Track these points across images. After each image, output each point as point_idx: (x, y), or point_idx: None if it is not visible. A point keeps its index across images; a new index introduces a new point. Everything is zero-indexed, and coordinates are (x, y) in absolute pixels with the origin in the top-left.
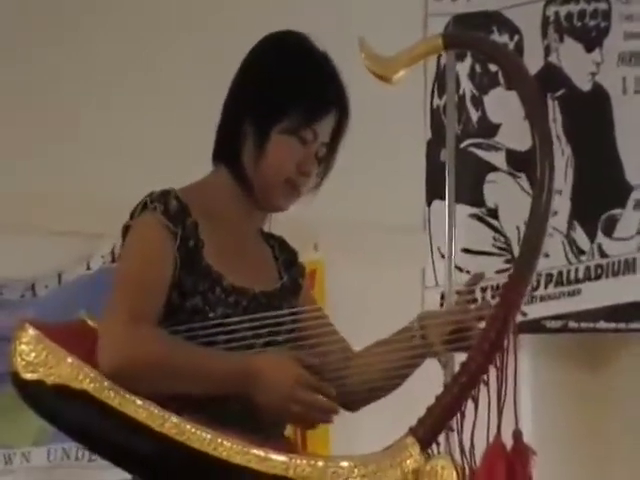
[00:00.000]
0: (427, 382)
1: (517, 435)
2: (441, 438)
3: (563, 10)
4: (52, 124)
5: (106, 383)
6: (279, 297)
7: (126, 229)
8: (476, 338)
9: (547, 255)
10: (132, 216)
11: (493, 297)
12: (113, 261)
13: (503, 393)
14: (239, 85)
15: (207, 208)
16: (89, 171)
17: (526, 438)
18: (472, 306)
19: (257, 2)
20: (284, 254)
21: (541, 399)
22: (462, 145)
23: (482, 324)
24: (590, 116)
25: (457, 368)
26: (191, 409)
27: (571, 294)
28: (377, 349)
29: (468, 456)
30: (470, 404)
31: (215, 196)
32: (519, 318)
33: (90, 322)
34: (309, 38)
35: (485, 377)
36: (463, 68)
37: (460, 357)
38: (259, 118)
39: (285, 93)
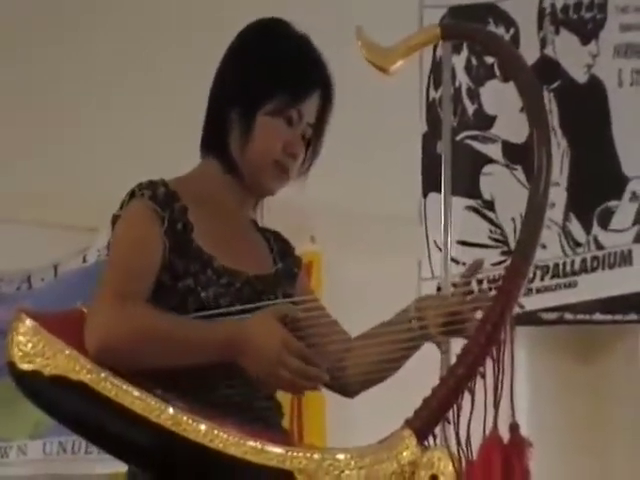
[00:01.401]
0: (423, 373)
1: (514, 427)
2: (437, 430)
3: (559, 2)
4: (51, 121)
5: (103, 374)
6: (273, 282)
7: (115, 218)
8: (473, 328)
9: (544, 247)
10: (121, 206)
11: (490, 289)
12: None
13: (500, 385)
14: (223, 72)
15: (197, 196)
16: (86, 166)
17: (522, 429)
18: (469, 296)
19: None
20: (279, 245)
21: (537, 390)
22: (458, 137)
23: (479, 314)
24: (586, 108)
25: (454, 360)
26: (182, 395)
27: (567, 286)
28: (375, 334)
29: (465, 448)
30: (466, 396)
31: (205, 184)
32: (516, 310)
33: (86, 311)
34: (289, 23)
35: (482, 369)
36: (459, 60)
37: (457, 348)
38: (244, 102)
39: (268, 75)
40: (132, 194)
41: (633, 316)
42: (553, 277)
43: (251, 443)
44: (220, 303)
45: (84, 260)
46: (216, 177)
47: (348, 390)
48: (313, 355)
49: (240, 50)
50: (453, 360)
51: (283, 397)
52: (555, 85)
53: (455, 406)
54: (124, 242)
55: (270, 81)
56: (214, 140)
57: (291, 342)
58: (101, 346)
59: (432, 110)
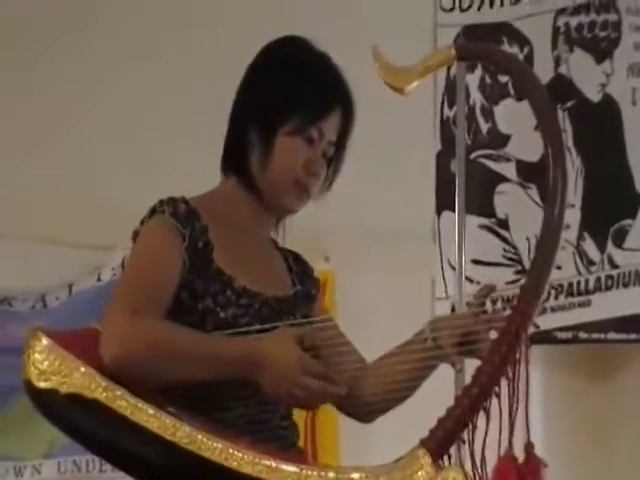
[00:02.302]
0: (438, 393)
1: (529, 448)
2: (452, 450)
3: (573, 21)
4: (68, 139)
5: (118, 392)
6: (292, 304)
7: (136, 234)
8: (487, 348)
9: (559, 268)
10: (142, 222)
11: (504, 309)
12: None
13: (515, 405)
14: (242, 92)
15: (218, 215)
16: (101, 184)
17: (536, 448)
18: (484, 316)
19: (269, 16)
20: (299, 266)
21: (552, 410)
22: (472, 156)
23: (493, 333)
24: (600, 127)
25: (468, 380)
26: (197, 414)
27: (581, 305)
28: (390, 358)
29: (479, 468)
30: (481, 416)
31: (225, 203)
32: (530, 329)
33: (102, 322)
34: (309, 40)
35: (497, 389)
36: (473, 79)
37: (471, 368)
38: (264, 122)
39: (288, 96)
40: (153, 210)
41: None
42: (567, 296)
43: (266, 462)
44: (239, 324)
45: (98, 279)
46: (236, 196)
47: (364, 414)
48: (329, 372)
49: (260, 69)
50: (468, 380)
51: (297, 415)
52: (569, 104)
53: (470, 426)
54: (143, 255)
55: (290, 101)
56: (234, 159)
57: (307, 361)
58: (117, 356)
59: (446, 129)
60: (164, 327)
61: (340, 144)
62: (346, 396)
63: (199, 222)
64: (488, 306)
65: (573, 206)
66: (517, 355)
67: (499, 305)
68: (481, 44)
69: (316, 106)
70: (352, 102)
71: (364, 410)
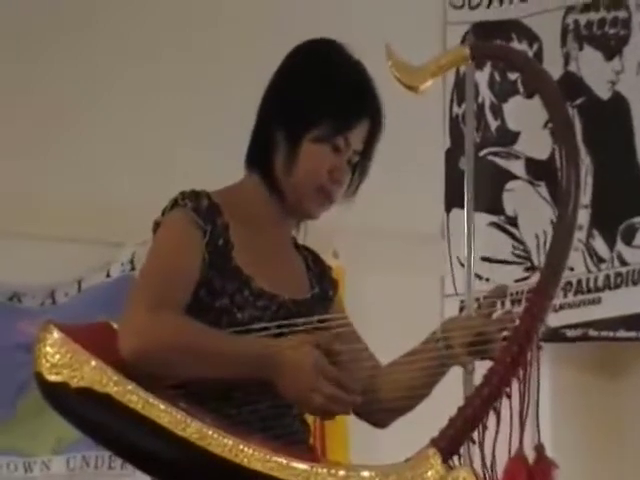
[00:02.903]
0: (448, 392)
1: (539, 448)
2: (462, 450)
3: (583, 18)
4: (76, 136)
5: (129, 387)
6: (309, 306)
7: (157, 225)
8: (499, 348)
9: (572, 269)
10: (163, 213)
11: (512, 303)
12: (133, 269)
13: (525, 406)
14: (272, 92)
15: (239, 211)
16: (111, 181)
17: (544, 445)
18: (494, 315)
19: (270, 15)
20: (317, 266)
21: (561, 407)
22: (481, 153)
23: (505, 333)
24: (610, 124)
25: (478, 378)
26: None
27: (591, 302)
28: (403, 362)
29: (490, 468)
30: (492, 416)
31: (247, 200)
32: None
33: (114, 324)
34: (344, 46)
35: (507, 389)
36: (482, 76)
37: (481, 369)
38: (291, 126)
39: (318, 101)
40: (175, 203)
41: None
42: (577, 294)
43: (276, 459)
44: (254, 328)
45: (108, 275)
46: (259, 194)
47: (379, 419)
48: (347, 379)
49: (291, 71)
50: (478, 381)
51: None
52: (579, 102)
53: (480, 426)
54: (164, 249)
55: (319, 108)
56: (258, 158)
57: (325, 367)
58: (136, 350)
59: (455, 126)
60: (184, 323)
61: (366, 153)
62: (362, 402)
63: (221, 218)
64: (497, 304)
65: (586, 207)
66: (528, 356)
67: (508, 302)
68: (495, 43)
69: (344, 116)
70: (381, 113)
71: (379, 415)
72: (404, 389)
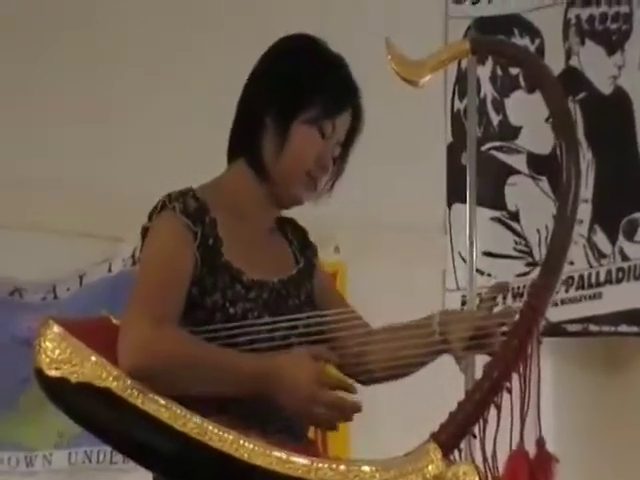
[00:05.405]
0: (448, 386)
1: (540, 443)
2: (463, 444)
3: (585, 13)
4: (76, 131)
5: (129, 382)
6: (296, 283)
7: (145, 230)
8: (498, 344)
9: (572, 263)
10: (150, 217)
11: (514, 297)
12: (134, 264)
13: (526, 401)
14: (259, 75)
15: (225, 203)
16: (112, 174)
17: (546, 440)
18: (494, 311)
19: (270, 15)
20: (297, 236)
21: (562, 402)
22: (483, 148)
23: (504, 328)
24: (611, 119)
25: (478, 372)
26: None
27: (592, 297)
28: (395, 333)
29: (490, 463)
30: (492, 410)
31: (233, 191)
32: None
33: (114, 319)
34: (323, 41)
35: (508, 384)
36: (484, 71)
37: (482, 361)
38: (281, 108)
39: (308, 83)
40: (162, 206)
41: None
42: (578, 288)
43: (277, 454)
44: (248, 319)
45: (109, 270)
46: (243, 182)
47: (364, 379)
48: (348, 384)
49: (280, 56)
50: (478, 375)
51: None
52: (580, 96)
53: (481, 420)
54: (158, 258)
55: (310, 88)
56: (247, 144)
57: (324, 378)
58: (138, 366)
59: (457, 121)
60: (185, 339)
61: (346, 147)
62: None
63: (208, 216)
64: (498, 299)
65: (587, 201)
66: (529, 351)
67: (509, 297)
68: (496, 38)
69: (335, 101)
70: (362, 107)
71: (364, 376)
72: (393, 361)
